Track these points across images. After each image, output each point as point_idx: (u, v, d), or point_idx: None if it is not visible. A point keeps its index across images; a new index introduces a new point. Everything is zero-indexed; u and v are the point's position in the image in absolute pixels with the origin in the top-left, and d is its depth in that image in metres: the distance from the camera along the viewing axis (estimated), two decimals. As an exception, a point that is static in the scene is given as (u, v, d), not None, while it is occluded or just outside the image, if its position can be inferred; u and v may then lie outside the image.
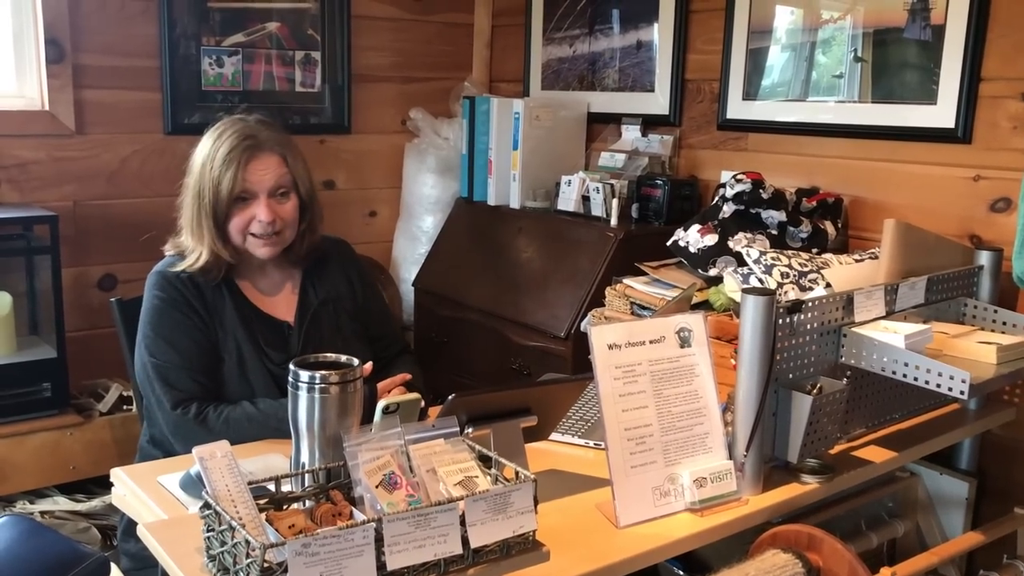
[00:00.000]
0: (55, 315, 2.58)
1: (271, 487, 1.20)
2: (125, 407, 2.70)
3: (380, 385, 1.89)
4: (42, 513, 2.55)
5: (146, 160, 2.98)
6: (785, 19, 2.60)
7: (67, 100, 2.80)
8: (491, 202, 3.13)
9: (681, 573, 1.95)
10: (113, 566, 1.45)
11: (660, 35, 2.94)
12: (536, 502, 1.15)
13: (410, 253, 3.42)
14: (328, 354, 1.30)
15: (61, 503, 2.60)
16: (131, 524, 1.63)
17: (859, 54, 2.41)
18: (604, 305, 2.47)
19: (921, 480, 2.11)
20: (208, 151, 1.92)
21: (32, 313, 2.75)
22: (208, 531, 1.10)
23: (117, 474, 1.65)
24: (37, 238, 2.64)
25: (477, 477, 1.19)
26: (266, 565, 0.98)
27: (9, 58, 2.78)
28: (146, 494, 1.55)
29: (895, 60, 2.34)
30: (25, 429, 2.53)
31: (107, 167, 2.91)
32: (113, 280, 2.95)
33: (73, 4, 2.78)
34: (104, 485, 2.22)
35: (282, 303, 2.02)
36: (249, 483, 1.14)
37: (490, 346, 2.85)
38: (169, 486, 1.58)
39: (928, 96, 2.27)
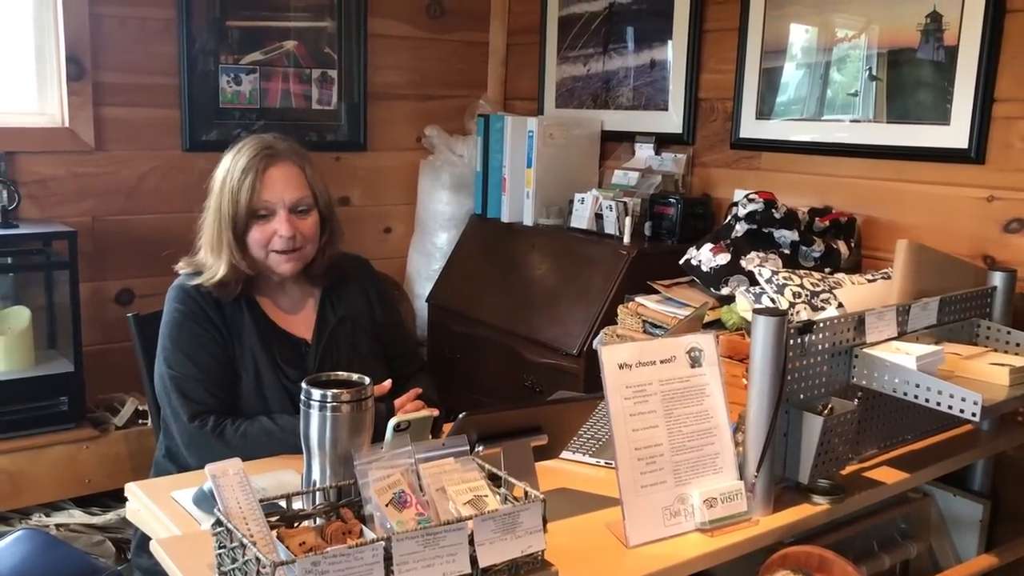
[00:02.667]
0: (72, 329, 2.61)
1: (282, 504, 1.21)
2: (141, 421, 2.72)
3: (396, 402, 1.90)
4: (57, 526, 2.57)
5: (164, 176, 3.01)
6: (799, 38, 2.61)
7: (87, 117, 2.84)
8: (505, 219, 3.14)
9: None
10: (126, 581, 1.46)
11: (674, 54, 2.95)
12: (545, 522, 1.15)
13: (424, 269, 3.44)
14: (340, 373, 1.32)
15: (76, 516, 2.62)
16: (144, 539, 1.64)
17: (874, 72, 2.42)
18: (616, 323, 2.48)
19: (934, 501, 2.09)
20: (228, 166, 1.95)
21: (50, 327, 2.78)
22: (220, 548, 1.11)
23: (131, 489, 1.66)
24: (56, 253, 2.67)
25: (486, 496, 1.20)
26: (276, 583, 0.99)
27: (31, 76, 2.82)
28: (160, 509, 1.56)
29: (909, 80, 2.34)
30: (42, 442, 2.55)
31: (126, 183, 2.95)
32: (130, 295, 2.98)
33: (94, 23, 2.82)
34: (119, 499, 2.24)
35: (301, 321, 2.04)
36: (260, 500, 1.15)
37: (503, 363, 2.86)
38: (183, 502, 1.59)
39: (942, 116, 2.27)
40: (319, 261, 2.03)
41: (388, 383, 1.85)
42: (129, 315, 2.19)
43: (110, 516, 2.62)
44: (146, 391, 2.19)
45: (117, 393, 2.82)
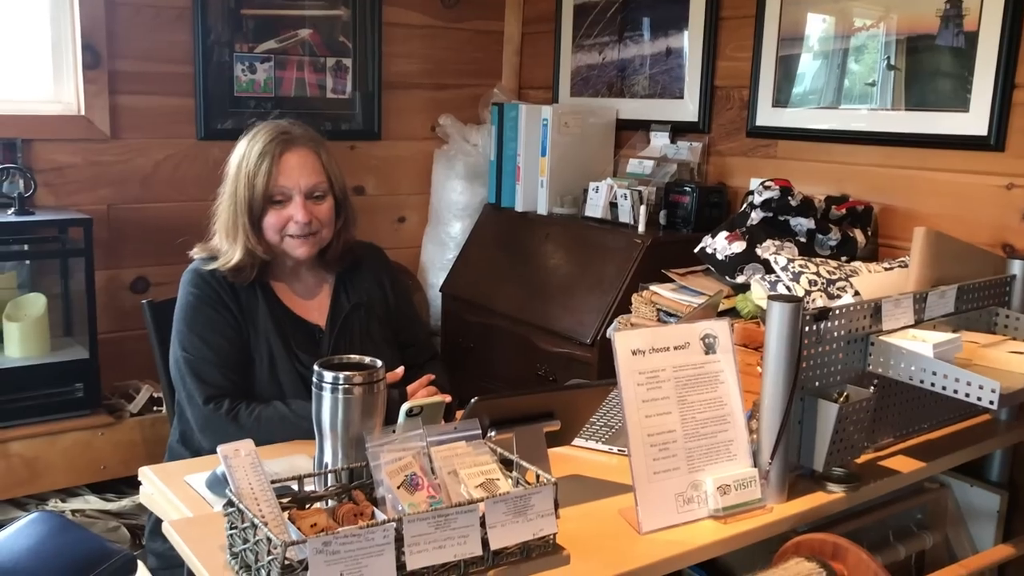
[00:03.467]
0: (88, 317, 2.62)
1: (294, 486, 1.21)
2: (155, 408, 2.73)
3: (409, 388, 1.90)
4: (73, 512, 2.58)
5: (179, 165, 3.02)
6: (817, 26, 2.58)
7: (103, 105, 2.85)
8: (519, 208, 3.13)
9: (705, 581, 1.93)
10: (140, 564, 1.46)
11: (690, 42, 2.93)
12: (557, 505, 1.14)
13: (438, 259, 3.43)
14: (353, 356, 1.31)
15: (92, 502, 2.64)
16: (158, 523, 1.64)
17: (892, 62, 2.39)
18: (630, 312, 2.47)
19: (951, 492, 2.08)
20: (244, 151, 1.96)
21: (66, 314, 2.79)
22: (231, 529, 1.11)
23: (145, 473, 1.67)
24: (72, 241, 2.68)
25: (498, 480, 1.19)
26: (287, 563, 0.98)
27: (47, 64, 2.83)
28: (173, 493, 1.57)
29: (928, 67, 2.32)
30: (57, 428, 2.56)
31: (141, 171, 2.96)
32: (145, 283, 2.99)
33: (109, 11, 2.82)
34: (134, 485, 2.25)
35: (315, 307, 2.04)
36: (272, 482, 1.15)
37: (516, 352, 2.86)
38: (196, 485, 1.59)
39: (961, 103, 2.25)
40: (334, 246, 2.03)
41: (401, 370, 1.85)
42: (144, 302, 2.19)
43: (125, 502, 2.63)
44: (160, 377, 2.19)
45: (132, 380, 2.83)
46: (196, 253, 2.02)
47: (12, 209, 2.57)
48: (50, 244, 2.70)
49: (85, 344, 2.65)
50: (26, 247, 2.69)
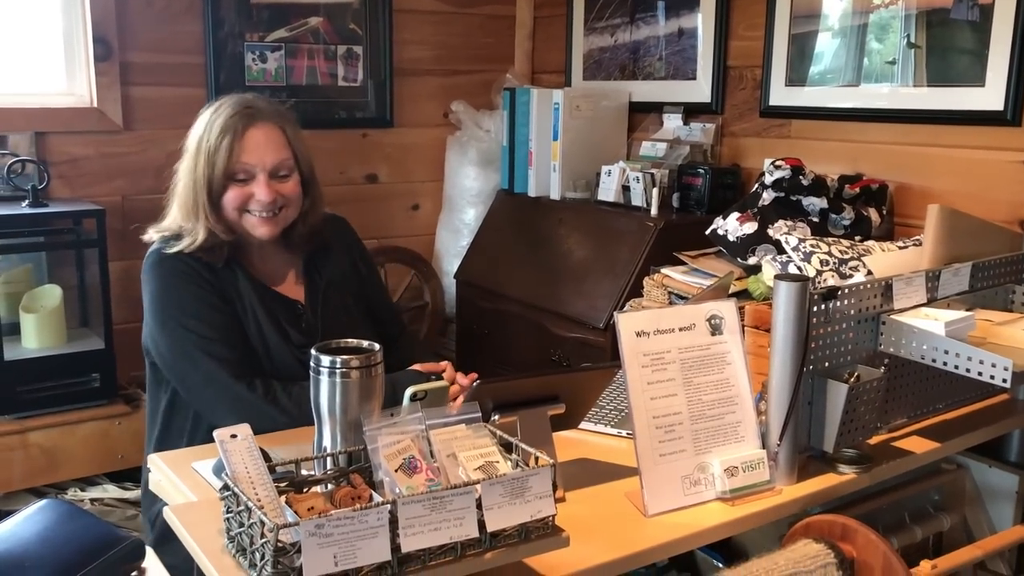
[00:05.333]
0: (103, 307, 2.64)
1: (293, 470, 1.20)
2: (171, 397, 2.75)
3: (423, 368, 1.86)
4: (92, 500, 2.61)
5: (192, 155, 3.02)
6: (833, 3, 2.54)
7: (115, 97, 2.87)
8: (531, 193, 3.12)
9: (717, 563, 1.92)
10: (148, 550, 1.47)
11: (702, 22, 2.90)
12: (555, 487, 1.13)
13: (452, 246, 3.43)
14: (350, 339, 1.31)
15: (110, 491, 2.66)
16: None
17: (912, 40, 2.35)
18: (643, 295, 2.45)
19: (968, 473, 2.04)
20: (204, 125, 1.84)
21: (82, 305, 2.82)
22: (227, 512, 1.11)
23: (153, 460, 1.67)
24: (86, 232, 2.70)
25: (498, 462, 1.18)
26: (280, 545, 0.98)
27: (60, 57, 2.85)
28: (180, 480, 1.58)
29: (945, 43, 2.27)
30: (75, 418, 2.59)
31: (154, 162, 2.97)
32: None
33: (120, 3, 2.84)
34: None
35: (289, 286, 1.96)
36: (271, 467, 1.15)
37: (530, 337, 2.85)
38: (203, 472, 1.60)
39: (977, 78, 2.20)
40: (299, 228, 1.93)
41: (445, 364, 1.83)
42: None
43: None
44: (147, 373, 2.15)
45: (148, 370, 2.85)
46: (152, 236, 1.90)
47: (27, 201, 2.60)
48: (65, 236, 2.72)
49: (101, 335, 2.67)
50: (41, 239, 2.71)
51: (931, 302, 1.72)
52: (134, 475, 2.72)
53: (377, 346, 1.29)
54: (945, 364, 1.57)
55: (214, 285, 1.84)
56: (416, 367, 1.86)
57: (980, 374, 1.52)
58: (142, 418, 2.68)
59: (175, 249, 1.84)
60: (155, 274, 1.85)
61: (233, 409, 1.74)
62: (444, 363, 1.88)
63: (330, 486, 1.19)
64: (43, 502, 1.48)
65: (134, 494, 2.65)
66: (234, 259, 1.89)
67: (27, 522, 1.43)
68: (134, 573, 1.42)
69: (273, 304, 1.90)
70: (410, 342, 2.05)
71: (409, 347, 1.97)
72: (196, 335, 1.78)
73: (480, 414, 1.25)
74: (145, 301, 1.88)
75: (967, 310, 1.74)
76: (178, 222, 1.87)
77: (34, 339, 2.62)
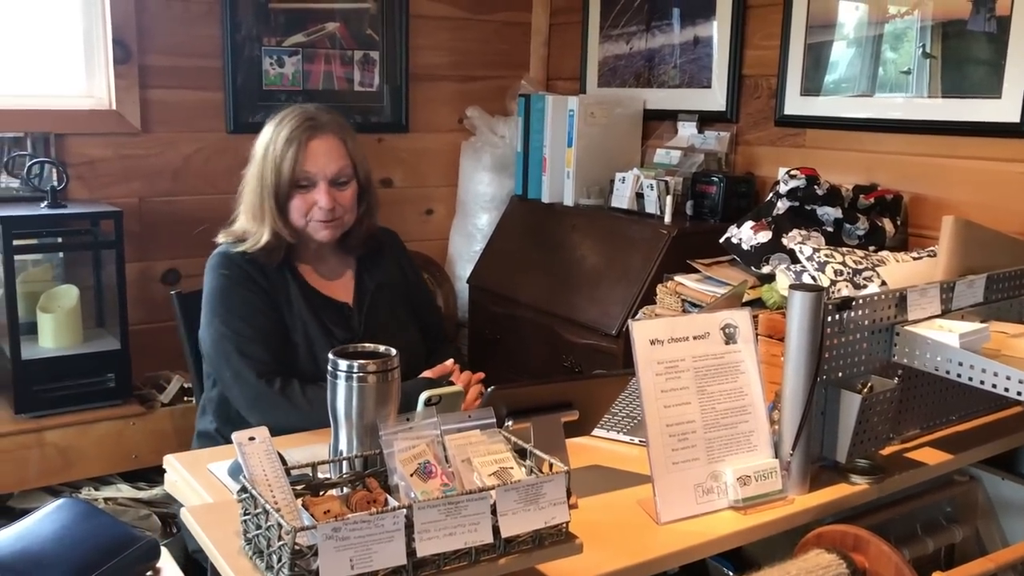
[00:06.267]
0: (119, 308, 2.66)
1: (309, 473, 1.21)
2: (186, 398, 2.77)
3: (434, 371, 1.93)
4: (106, 500, 2.63)
5: (209, 158, 3.05)
6: (848, 13, 2.54)
7: (133, 100, 2.89)
8: (545, 199, 3.13)
9: (729, 572, 1.92)
10: (164, 550, 1.48)
11: (718, 31, 2.90)
12: (569, 494, 1.14)
13: (465, 251, 3.44)
14: (367, 344, 1.32)
15: (124, 491, 2.68)
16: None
17: (927, 50, 2.35)
18: (656, 303, 2.45)
19: (981, 485, 2.04)
20: (270, 135, 1.98)
21: (98, 306, 2.84)
22: (245, 514, 1.12)
23: (170, 461, 1.69)
24: (103, 233, 2.72)
25: (512, 468, 1.19)
26: (297, 548, 0.99)
27: (79, 59, 2.87)
28: (196, 481, 1.59)
29: (962, 53, 2.27)
30: (90, 418, 2.61)
31: (171, 165, 2.99)
32: (176, 275, 3.03)
33: (139, 6, 2.86)
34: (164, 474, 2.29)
35: (340, 287, 2.07)
36: (287, 469, 1.16)
37: (542, 343, 2.85)
38: (219, 474, 1.61)
39: (993, 90, 2.20)
40: (356, 232, 2.06)
41: (451, 362, 1.92)
42: (172, 293, 2.22)
43: (156, 491, 2.67)
44: (190, 367, 2.22)
45: (163, 371, 2.87)
46: (221, 238, 2.04)
47: (45, 202, 2.62)
48: (82, 237, 2.74)
49: (117, 335, 2.69)
50: (59, 239, 2.74)
51: (945, 313, 1.72)
52: (148, 475, 2.74)
53: (394, 351, 1.30)
54: (959, 376, 1.57)
55: (265, 289, 1.96)
56: (426, 374, 1.91)
57: (995, 386, 1.52)
58: (157, 419, 2.71)
59: (238, 249, 1.97)
60: (212, 273, 1.99)
61: (252, 405, 1.86)
62: (448, 362, 1.96)
63: (346, 489, 1.20)
64: (60, 501, 1.50)
65: (147, 494, 2.67)
66: (288, 261, 2.01)
67: (44, 520, 1.44)
68: (149, 573, 1.43)
69: (321, 305, 2.01)
70: (448, 352, 2.12)
71: (446, 356, 2.03)
72: (234, 334, 1.90)
73: (494, 420, 1.26)
74: (203, 296, 2.00)
75: (982, 322, 1.74)
76: (244, 226, 2.00)
77: (51, 339, 2.64)
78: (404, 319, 2.10)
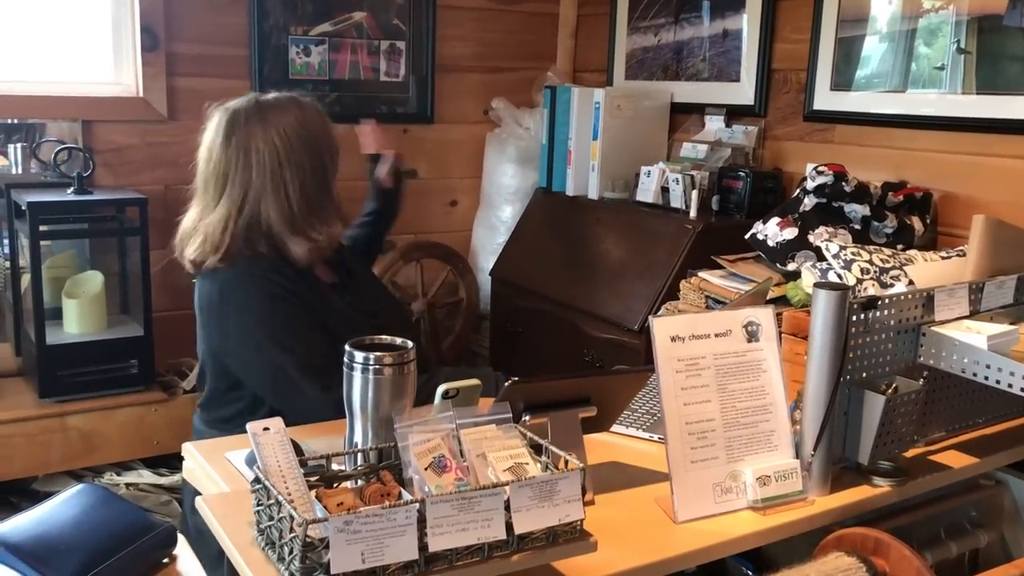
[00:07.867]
0: (143, 295, 2.68)
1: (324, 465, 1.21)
2: (207, 386, 2.78)
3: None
4: (127, 485, 2.65)
5: (234, 146, 3.05)
6: (881, 7, 2.50)
7: (160, 87, 2.90)
8: (569, 192, 3.11)
9: (748, 572, 1.90)
10: (180, 537, 1.49)
11: (748, 24, 2.87)
12: (584, 491, 1.13)
13: (489, 243, 3.43)
14: (383, 336, 1.31)
15: (145, 476, 2.70)
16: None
17: (962, 45, 2.30)
18: (679, 299, 2.43)
19: (1008, 489, 2.00)
20: (316, 120, 1.91)
21: (122, 292, 2.86)
22: (258, 505, 1.12)
23: (188, 448, 1.69)
24: (129, 220, 2.74)
25: (527, 464, 1.18)
26: (308, 540, 0.99)
27: (107, 46, 2.89)
28: (214, 469, 1.59)
29: (997, 49, 2.23)
30: (112, 404, 2.63)
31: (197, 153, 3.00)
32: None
33: (168, -6, 2.87)
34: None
35: (325, 272, 2.03)
36: (302, 460, 1.15)
37: (563, 337, 2.84)
38: (236, 462, 1.61)
39: (1027, 86, 2.16)
40: None
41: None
42: (195, 281, 2.22)
43: (177, 477, 2.69)
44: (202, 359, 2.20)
45: (185, 358, 2.88)
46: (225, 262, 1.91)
47: (72, 188, 2.64)
48: (108, 223, 2.76)
49: (140, 321, 2.71)
50: (85, 225, 2.76)
51: (974, 315, 1.69)
52: (169, 461, 2.76)
53: (410, 344, 1.30)
54: (986, 379, 1.54)
55: (300, 295, 1.87)
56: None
57: (1023, 390, 1.49)
58: (178, 405, 2.72)
59: (265, 267, 1.87)
60: (243, 294, 1.87)
61: (320, 417, 1.76)
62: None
63: (360, 482, 1.20)
64: (80, 486, 1.51)
65: (168, 480, 2.69)
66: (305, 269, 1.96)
67: (63, 506, 1.45)
68: (165, 560, 1.44)
69: (338, 290, 2.01)
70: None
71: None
72: (293, 357, 1.80)
73: (511, 415, 1.25)
74: (236, 323, 1.89)
75: (1011, 324, 1.70)
76: (287, 230, 1.91)
77: (75, 324, 2.66)
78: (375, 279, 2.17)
